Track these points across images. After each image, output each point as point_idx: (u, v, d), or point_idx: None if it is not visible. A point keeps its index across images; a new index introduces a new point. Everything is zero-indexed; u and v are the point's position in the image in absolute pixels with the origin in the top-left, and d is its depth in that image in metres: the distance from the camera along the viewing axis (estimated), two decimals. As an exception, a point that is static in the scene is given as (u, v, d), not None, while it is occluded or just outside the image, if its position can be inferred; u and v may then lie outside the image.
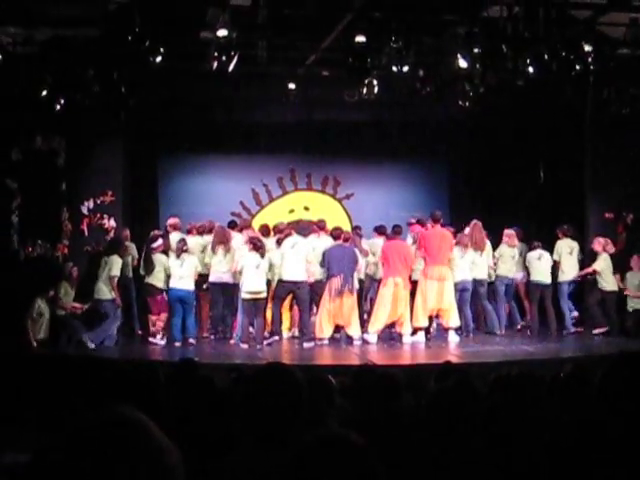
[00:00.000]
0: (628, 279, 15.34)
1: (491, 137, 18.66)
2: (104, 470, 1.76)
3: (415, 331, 14.66)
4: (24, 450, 3.45)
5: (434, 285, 14.57)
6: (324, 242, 14.93)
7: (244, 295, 14.03)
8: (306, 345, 14.11)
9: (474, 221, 15.82)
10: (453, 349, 13.97)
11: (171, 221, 15.54)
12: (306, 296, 14.47)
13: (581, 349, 14.32)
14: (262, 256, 14.03)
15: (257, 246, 14.04)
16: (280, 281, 14.42)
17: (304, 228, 15.32)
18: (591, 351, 13.93)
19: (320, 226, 15.47)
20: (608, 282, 15.37)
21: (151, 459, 1.81)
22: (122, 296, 14.36)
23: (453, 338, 14.64)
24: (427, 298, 14.55)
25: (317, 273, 14.69)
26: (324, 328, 14.28)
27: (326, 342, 14.25)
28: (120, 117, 14.76)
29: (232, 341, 14.42)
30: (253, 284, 14.00)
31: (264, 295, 14.23)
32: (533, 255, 15.76)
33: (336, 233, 14.73)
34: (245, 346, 13.87)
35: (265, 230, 15.49)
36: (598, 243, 15.51)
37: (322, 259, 14.41)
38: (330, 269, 14.28)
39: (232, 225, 16.00)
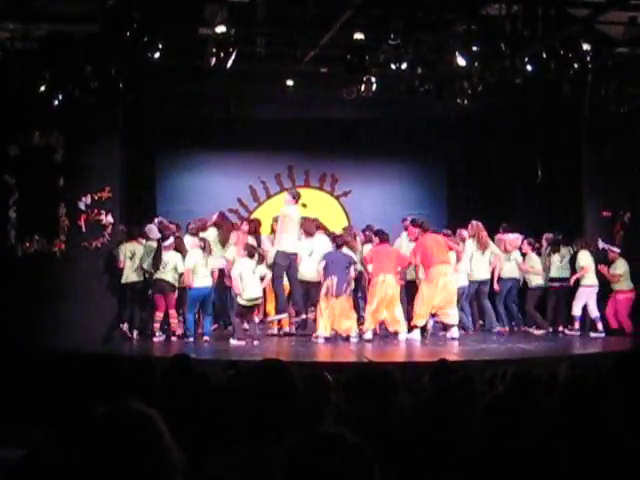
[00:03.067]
0: None
1: (489, 135, 18.68)
2: (112, 461, 1.77)
3: (411, 328, 14.65)
4: (22, 446, 3.45)
5: (439, 282, 14.60)
6: (321, 243, 15.07)
7: (242, 302, 14.00)
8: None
9: (474, 222, 15.83)
10: (449, 347, 13.96)
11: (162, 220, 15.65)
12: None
13: (578, 348, 14.36)
14: (259, 262, 14.12)
15: (253, 254, 14.08)
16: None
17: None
18: (587, 350, 13.98)
19: (315, 225, 15.51)
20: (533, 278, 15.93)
21: (157, 455, 1.82)
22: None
23: (455, 334, 14.61)
24: (431, 297, 14.56)
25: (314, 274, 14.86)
26: (322, 326, 14.31)
27: (322, 340, 14.24)
28: (118, 113, 14.75)
29: (232, 341, 14.27)
30: (252, 291, 14.00)
31: (260, 301, 14.46)
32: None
33: (339, 241, 14.82)
34: (242, 343, 13.86)
35: (256, 226, 15.60)
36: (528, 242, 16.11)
37: (321, 261, 14.49)
38: (325, 271, 14.36)
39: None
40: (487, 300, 15.93)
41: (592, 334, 15.23)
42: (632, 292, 15.31)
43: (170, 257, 14.51)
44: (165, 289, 14.50)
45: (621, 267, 15.36)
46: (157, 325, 14.50)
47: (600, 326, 15.19)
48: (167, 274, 14.49)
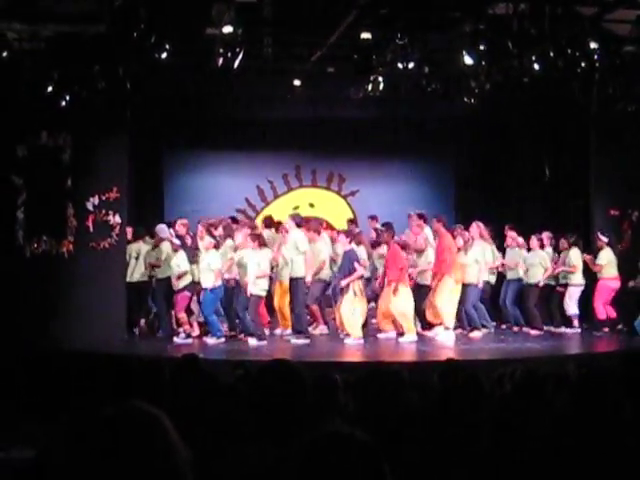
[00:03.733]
0: None
1: (496, 134, 18.67)
2: (117, 465, 1.77)
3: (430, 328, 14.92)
4: (30, 444, 3.47)
5: (457, 286, 14.75)
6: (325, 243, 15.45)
7: (260, 292, 14.04)
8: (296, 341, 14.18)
9: (479, 222, 15.77)
10: (456, 346, 13.95)
11: (184, 222, 15.51)
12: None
13: (584, 347, 14.34)
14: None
15: (262, 243, 14.14)
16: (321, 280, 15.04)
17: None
18: (594, 349, 13.97)
19: (318, 230, 15.57)
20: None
21: (164, 456, 1.82)
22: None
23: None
24: (453, 299, 14.64)
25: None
26: (358, 327, 14.38)
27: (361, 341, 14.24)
28: (125, 113, 14.76)
29: (253, 342, 14.07)
30: (267, 281, 14.23)
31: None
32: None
33: (357, 239, 15.05)
34: (263, 343, 13.86)
35: (269, 222, 15.69)
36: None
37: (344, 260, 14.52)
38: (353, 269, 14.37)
39: (233, 221, 16.17)
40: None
41: (567, 330, 15.36)
42: (614, 280, 15.33)
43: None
44: (195, 288, 14.64)
45: (605, 257, 15.34)
46: (188, 327, 14.50)
47: (576, 322, 15.42)
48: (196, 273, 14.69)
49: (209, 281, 14.17)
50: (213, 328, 14.28)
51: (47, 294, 13.98)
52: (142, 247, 15.10)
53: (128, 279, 14.98)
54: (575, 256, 15.50)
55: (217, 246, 14.43)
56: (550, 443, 3.75)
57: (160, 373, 5.21)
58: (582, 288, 15.51)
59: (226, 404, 4.67)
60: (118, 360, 10.07)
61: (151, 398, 2.29)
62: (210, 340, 14.17)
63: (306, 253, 14.56)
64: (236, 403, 4.48)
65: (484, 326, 15.33)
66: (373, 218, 16.86)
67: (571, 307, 15.50)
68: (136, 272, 15.02)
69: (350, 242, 14.61)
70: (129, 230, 15.35)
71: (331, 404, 5.20)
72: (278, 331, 15.37)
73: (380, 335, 14.68)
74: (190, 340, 14.27)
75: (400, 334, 14.43)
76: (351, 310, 14.17)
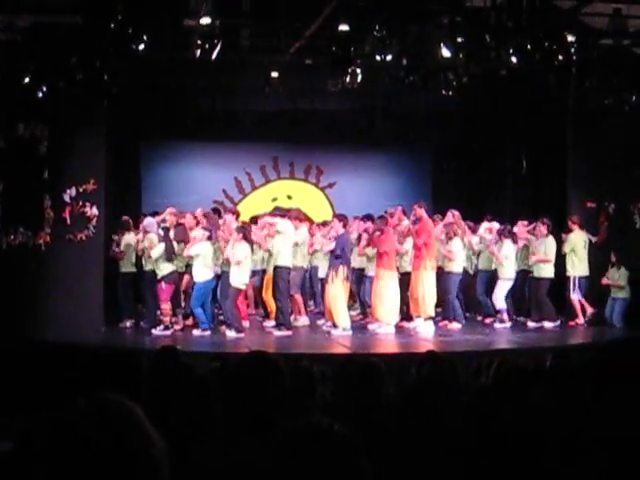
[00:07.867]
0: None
1: (474, 126, 18.71)
2: (93, 457, 1.77)
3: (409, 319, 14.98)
4: (6, 437, 3.45)
5: (434, 275, 14.80)
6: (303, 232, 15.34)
7: (241, 285, 13.98)
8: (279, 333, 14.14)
9: (455, 211, 15.77)
10: (435, 338, 13.99)
11: (173, 210, 15.39)
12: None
13: (561, 338, 14.41)
14: (251, 245, 14.13)
15: (248, 237, 14.07)
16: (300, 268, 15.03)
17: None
18: (571, 340, 14.06)
19: (300, 218, 15.50)
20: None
21: (139, 448, 1.82)
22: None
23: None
24: (433, 288, 14.73)
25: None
26: (346, 316, 14.42)
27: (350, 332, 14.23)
28: (103, 105, 14.68)
29: (231, 334, 13.94)
30: (249, 274, 14.17)
31: None
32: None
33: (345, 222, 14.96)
34: (241, 335, 13.78)
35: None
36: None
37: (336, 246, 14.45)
38: (344, 256, 14.40)
39: (216, 212, 16.12)
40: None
41: (497, 325, 15.30)
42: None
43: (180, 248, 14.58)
44: (177, 279, 14.59)
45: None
46: (167, 319, 14.39)
47: (505, 316, 15.36)
48: (177, 265, 14.65)
49: (201, 274, 14.16)
50: (199, 320, 14.26)
51: (24, 286, 13.92)
52: (132, 239, 15.18)
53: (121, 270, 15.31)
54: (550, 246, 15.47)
55: (210, 237, 14.33)
56: (527, 434, 3.77)
57: (137, 365, 5.20)
58: (512, 282, 15.44)
59: (202, 396, 4.67)
60: (94, 352, 10.04)
61: (128, 390, 2.28)
62: (195, 331, 14.14)
63: (298, 243, 14.77)
64: (211, 395, 4.48)
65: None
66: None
67: (499, 301, 15.41)
68: (126, 263, 15.18)
69: (344, 227, 14.65)
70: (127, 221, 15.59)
71: (309, 396, 5.20)
72: (266, 323, 15.36)
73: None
74: (169, 332, 14.19)
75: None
76: (340, 296, 14.21)
